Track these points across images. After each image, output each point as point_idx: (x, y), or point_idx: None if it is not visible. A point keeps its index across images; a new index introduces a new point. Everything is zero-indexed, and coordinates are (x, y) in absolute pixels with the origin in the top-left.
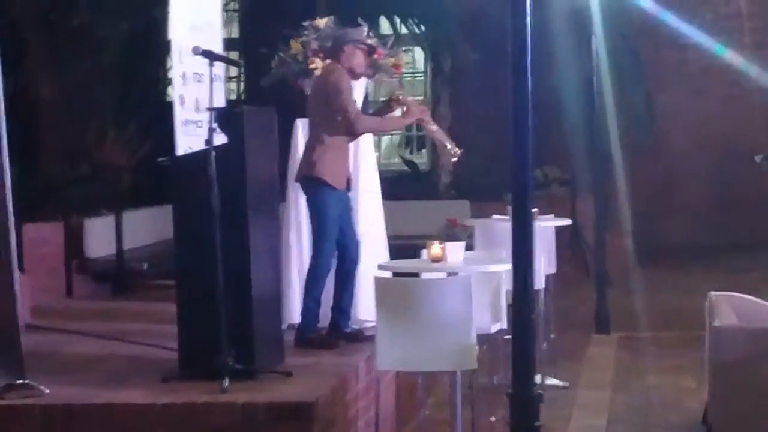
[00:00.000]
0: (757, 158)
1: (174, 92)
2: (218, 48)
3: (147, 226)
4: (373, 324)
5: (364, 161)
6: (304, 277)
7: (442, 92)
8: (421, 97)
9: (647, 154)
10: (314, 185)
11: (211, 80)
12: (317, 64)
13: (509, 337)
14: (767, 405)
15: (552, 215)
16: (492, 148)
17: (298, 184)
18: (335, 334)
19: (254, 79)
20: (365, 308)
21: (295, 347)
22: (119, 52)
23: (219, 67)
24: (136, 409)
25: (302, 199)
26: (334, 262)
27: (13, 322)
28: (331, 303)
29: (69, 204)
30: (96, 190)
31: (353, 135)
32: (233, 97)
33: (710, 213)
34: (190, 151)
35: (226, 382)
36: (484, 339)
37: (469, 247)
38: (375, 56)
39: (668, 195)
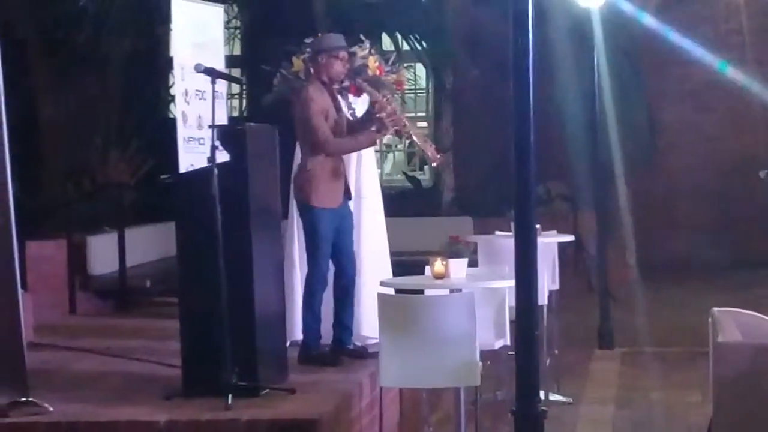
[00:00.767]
0: (762, 173)
1: (176, 110)
2: (220, 65)
3: (150, 244)
4: (377, 341)
5: (366, 172)
6: None
7: (444, 108)
8: (423, 114)
9: (649, 170)
10: (305, 209)
11: (214, 97)
12: None
13: (513, 353)
14: None
15: (555, 231)
16: (494, 163)
17: None
18: (338, 350)
19: (256, 96)
20: (369, 325)
21: (299, 364)
22: (122, 70)
23: (221, 85)
24: (140, 426)
25: None
26: (331, 277)
27: (17, 339)
28: (332, 320)
29: (72, 221)
30: (99, 207)
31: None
32: (235, 114)
33: (713, 228)
34: (192, 168)
35: (230, 399)
36: (487, 355)
37: (472, 264)
38: (378, 73)
39: (671, 210)
